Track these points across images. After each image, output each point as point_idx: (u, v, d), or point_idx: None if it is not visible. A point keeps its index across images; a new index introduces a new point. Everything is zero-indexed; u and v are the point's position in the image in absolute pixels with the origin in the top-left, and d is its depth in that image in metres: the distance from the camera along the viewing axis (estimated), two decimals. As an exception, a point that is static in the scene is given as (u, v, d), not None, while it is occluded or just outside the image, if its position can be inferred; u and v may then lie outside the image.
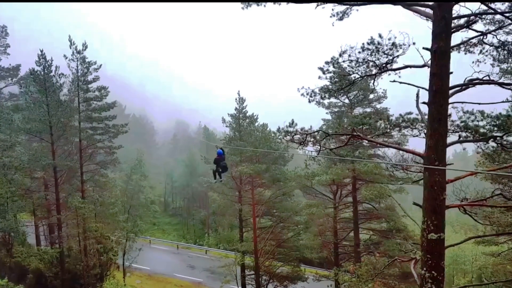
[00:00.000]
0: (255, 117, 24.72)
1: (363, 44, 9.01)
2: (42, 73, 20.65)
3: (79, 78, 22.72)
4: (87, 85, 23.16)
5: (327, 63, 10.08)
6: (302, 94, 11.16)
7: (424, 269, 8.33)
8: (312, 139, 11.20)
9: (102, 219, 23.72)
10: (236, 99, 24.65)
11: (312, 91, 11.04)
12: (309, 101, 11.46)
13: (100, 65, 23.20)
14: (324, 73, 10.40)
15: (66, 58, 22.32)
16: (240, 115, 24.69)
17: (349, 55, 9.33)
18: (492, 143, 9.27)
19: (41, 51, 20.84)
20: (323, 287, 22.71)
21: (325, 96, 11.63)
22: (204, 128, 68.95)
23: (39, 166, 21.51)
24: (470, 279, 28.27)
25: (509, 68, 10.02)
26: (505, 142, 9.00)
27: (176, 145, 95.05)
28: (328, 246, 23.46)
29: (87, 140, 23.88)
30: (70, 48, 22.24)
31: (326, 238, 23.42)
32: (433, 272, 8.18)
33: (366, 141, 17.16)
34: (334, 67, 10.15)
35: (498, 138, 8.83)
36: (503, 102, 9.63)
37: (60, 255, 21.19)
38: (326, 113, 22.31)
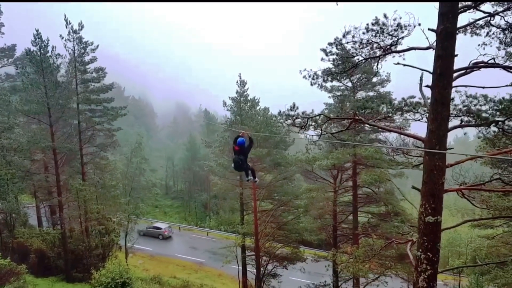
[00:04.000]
0: (257, 100, 24.54)
1: (367, 24, 8.78)
2: (39, 53, 20.28)
3: (76, 59, 22.39)
4: (84, 66, 22.85)
5: (330, 44, 9.80)
6: (304, 77, 10.95)
7: (420, 250, 8.43)
8: (313, 123, 11.10)
9: (104, 201, 23.93)
10: (237, 82, 24.41)
11: (315, 73, 10.82)
12: (311, 84, 11.26)
13: (97, 46, 22.83)
14: (327, 54, 10.13)
15: (62, 38, 21.88)
16: (241, 99, 24.49)
17: (353, 36, 9.11)
18: (493, 128, 9.21)
19: (37, 30, 20.39)
20: (321, 268, 23.17)
21: (327, 79, 11.42)
22: (204, 111, 68.65)
23: (39, 148, 21.53)
24: (465, 260, 28.84)
25: (516, 52, 9.84)
26: (506, 127, 8.94)
27: (176, 128, 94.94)
28: (327, 228, 23.77)
29: (86, 122, 23.78)
30: (66, 27, 21.77)
31: (325, 221, 23.68)
32: (428, 253, 8.28)
33: (368, 126, 17.09)
34: (337, 48, 9.89)
35: (500, 122, 8.77)
36: (507, 86, 9.52)
37: (62, 236, 21.47)
38: (329, 97, 22.12)
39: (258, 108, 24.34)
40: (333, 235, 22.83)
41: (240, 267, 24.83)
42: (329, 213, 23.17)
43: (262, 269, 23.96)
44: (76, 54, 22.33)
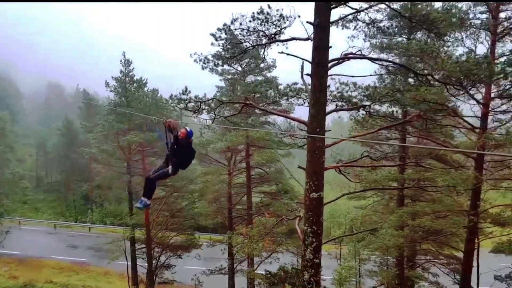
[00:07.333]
0: (144, 81, 22.92)
1: (253, 13, 9.03)
2: None
3: None
4: None
5: (219, 29, 9.89)
6: (195, 60, 10.87)
7: (306, 225, 9.30)
8: (206, 107, 11.04)
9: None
10: (121, 61, 22.28)
11: (205, 57, 10.79)
12: (203, 68, 11.30)
13: None
14: (216, 39, 10.18)
15: None
16: (127, 79, 22.51)
17: (241, 23, 9.29)
18: (362, 111, 10.66)
19: None
20: (217, 252, 23.59)
21: (218, 63, 11.55)
22: (83, 92, 61.16)
23: None
24: (344, 230, 32.86)
25: (377, 44, 11.51)
26: (372, 111, 10.45)
27: (48, 111, 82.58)
28: (223, 211, 24.20)
29: None
30: None
31: (220, 204, 24.05)
32: (314, 227, 9.19)
33: (258, 109, 17.83)
34: (226, 34, 9.98)
35: (367, 106, 10.18)
36: (371, 75, 11.08)
37: None
38: (220, 80, 22.18)
39: (146, 89, 22.82)
40: (228, 217, 23.37)
41: (129, 262, 23.20)
42: (224, 196, 23.61)
43: (154, 261, 22.94)
44: None
